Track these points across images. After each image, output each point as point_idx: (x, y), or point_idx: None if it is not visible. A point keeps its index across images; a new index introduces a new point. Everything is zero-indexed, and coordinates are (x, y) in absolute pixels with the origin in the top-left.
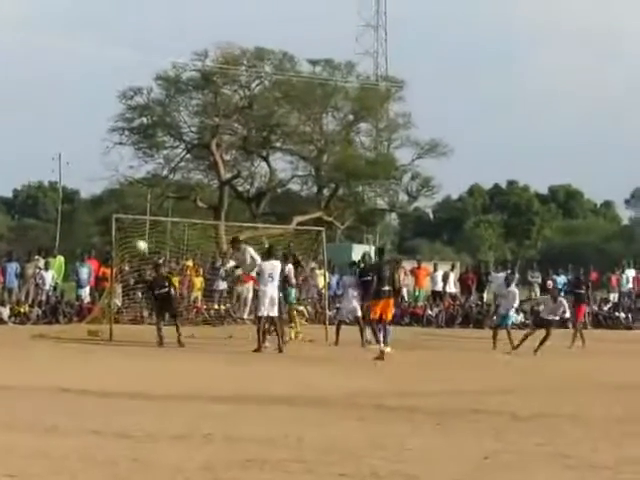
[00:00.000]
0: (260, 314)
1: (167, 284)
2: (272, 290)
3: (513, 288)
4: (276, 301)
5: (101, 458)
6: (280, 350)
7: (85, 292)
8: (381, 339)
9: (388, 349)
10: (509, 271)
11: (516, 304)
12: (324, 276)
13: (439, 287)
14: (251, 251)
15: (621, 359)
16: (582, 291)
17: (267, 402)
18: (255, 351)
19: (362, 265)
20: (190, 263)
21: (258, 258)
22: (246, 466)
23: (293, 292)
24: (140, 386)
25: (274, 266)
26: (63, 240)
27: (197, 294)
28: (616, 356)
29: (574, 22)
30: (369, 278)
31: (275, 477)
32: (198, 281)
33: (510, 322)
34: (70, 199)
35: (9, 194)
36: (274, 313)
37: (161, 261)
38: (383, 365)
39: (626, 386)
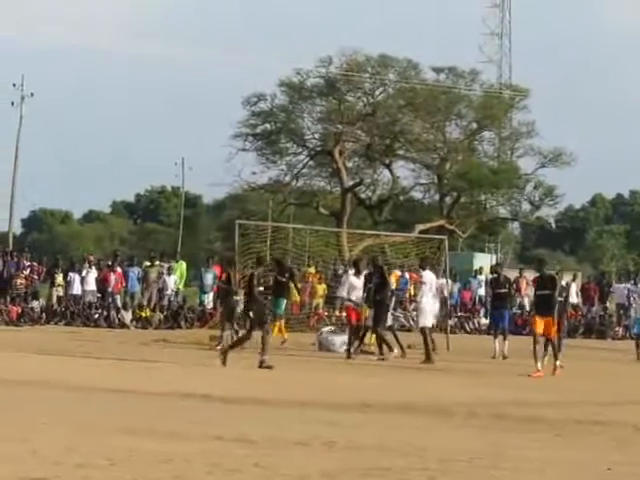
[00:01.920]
0: (423, 325)
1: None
2: (435, 301)
3: None
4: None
5: (223, 463)
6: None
7: (209, 297)
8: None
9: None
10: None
11: None
12: (446, 285)
13: (561, 297)
14: None
15: None
16: None
17: (389, 410)
18: (425, 362)
19: (496, 275)
20: (312, 270)
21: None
22: (368, 474)
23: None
24: (261, 393)
25: (432, 277)
26: (184, 245)
27: (319, 301)
28: None
29: None
30: (505, 290)
31: None
32: (320, 288)
33: None
34: (192, 204)
35: (131, 199)
36: (430, 324)
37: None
38: (509, 375)
39: None
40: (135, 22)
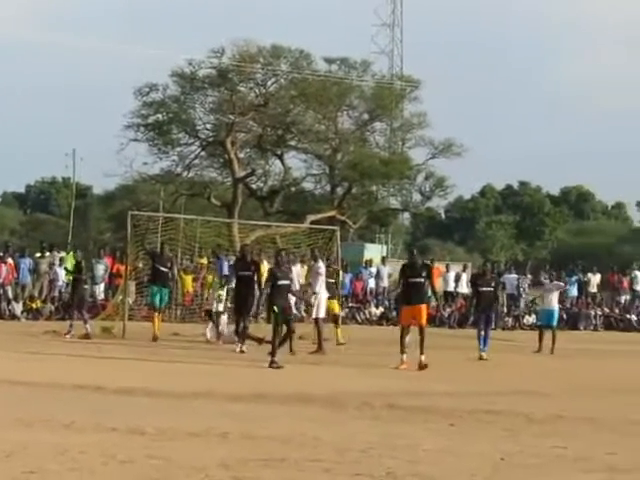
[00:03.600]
0: (318, 316)
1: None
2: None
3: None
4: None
5: (118, 455)
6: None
7: (100, 289)
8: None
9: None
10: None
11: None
12: (338, 275)
13: (451, 287)
14: None
15: (636, 361)
16: None
17: (283, 401)
18: (316, 352)
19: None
20: (204, 261)
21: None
22: (263, 464)
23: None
24: (155, 384)
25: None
26: (75, 236)
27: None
28: (630, 358)
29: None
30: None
31: (292, 476)
32: (212, 279)
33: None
34: (83, 195)
35: (22, 189)
36: (323, 315)
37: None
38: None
39: None
40: (22, 9)
